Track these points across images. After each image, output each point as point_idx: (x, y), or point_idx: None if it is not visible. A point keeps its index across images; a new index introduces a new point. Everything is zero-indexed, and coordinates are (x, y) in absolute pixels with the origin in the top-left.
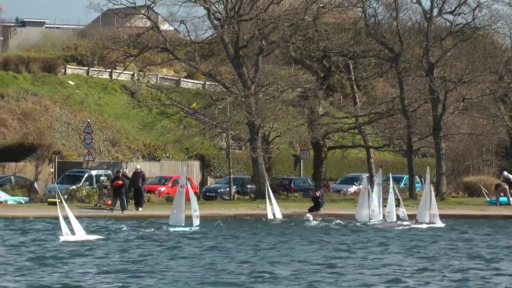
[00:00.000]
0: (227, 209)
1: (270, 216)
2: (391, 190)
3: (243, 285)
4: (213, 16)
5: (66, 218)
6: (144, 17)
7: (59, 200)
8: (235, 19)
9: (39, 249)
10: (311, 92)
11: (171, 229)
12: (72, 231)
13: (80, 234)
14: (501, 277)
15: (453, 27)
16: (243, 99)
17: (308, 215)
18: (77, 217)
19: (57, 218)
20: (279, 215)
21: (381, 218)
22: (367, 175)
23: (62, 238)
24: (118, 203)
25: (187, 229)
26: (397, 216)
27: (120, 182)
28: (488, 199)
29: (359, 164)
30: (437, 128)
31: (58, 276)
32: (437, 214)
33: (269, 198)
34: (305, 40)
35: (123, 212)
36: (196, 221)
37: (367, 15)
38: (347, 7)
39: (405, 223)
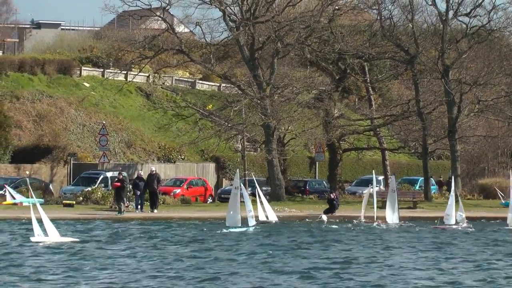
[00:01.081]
0: (243, 211)
1: (262, 218)
2: (452, 193)
3: None
4: (228, 18)
5: (40, 220)
6: (160, 19)
7: (33, 201)
8: (251, 21)
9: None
10: (327, 94)
11: (228, 230)
12: (45, 232)
13: (54, 236)
14: None
15: (468, 29)
16: (259, 101)
17: (324, 217)
18: (92, 219)
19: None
20: (273, 218)
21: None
22: (393, 175)
23: (33, 239)
24: (133, 203)
25: (243, 229)
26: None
27: (119, 183)
28: (503, 201)
29: (375, 166)
30: (453, 130)
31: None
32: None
33: (261, 200)
34: (320, 42)
35: (120, 214)
36: (252, 221)
37: (383, 17)
38: (363, 9)
39: (464, 225)
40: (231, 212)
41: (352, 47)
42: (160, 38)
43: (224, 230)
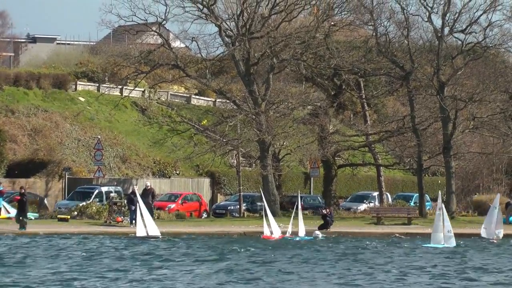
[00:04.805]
0: (237, 227)
1: (267, 233)
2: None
3: None
4: (224, 34)
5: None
6: (156, 34)
7: None
8: (246, 36)
9: None
10: (322, 110)
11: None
12: None
13: None
14: None
15: (464, 46)
16: (254, 117)
17: (317, 232)
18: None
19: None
20: (278, 233)
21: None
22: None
23: None
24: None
25: (440, 245)
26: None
27: (18, 197)
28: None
29: (369, 182)
30: (447, 146)
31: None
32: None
33: (266, 216)
34: (316, 58)
35: (23, 229)
36: (452, 242)
37: (378, 33)
38: (358, 25)
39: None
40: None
41: (348, 63)
42: (155, 53)
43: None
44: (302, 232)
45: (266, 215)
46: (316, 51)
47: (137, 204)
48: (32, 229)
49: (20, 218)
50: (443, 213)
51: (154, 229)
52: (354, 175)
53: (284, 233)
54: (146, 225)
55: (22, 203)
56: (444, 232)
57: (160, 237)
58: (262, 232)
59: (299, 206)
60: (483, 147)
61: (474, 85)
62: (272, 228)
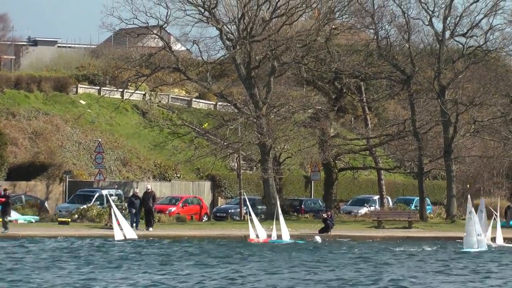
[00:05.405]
0: (238, 230)
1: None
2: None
3: None
4: (225, 37)
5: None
6: (157, 37)
7: None
8: (247, 39)
9: None
10: (323, 114)
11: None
12: None
13: None
14: None
15: (465, 49)
16: (255, 120)
17: (317, 237)
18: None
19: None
20: (263, 236)
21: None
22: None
23: None
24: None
25: (476, 250)
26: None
27: (3, 199)
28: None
29: (370, 186)
30: (448, 150)
31: None
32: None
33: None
34: (317, 61)
35: (6, 230)
36: (483, 245)
37: (379, 37)
38: (360, 29)
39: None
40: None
41: (349, 67)
42: (156, 56)
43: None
44: (286, 236)
45: (251, 218)
46: (317, 54)
47: (138, 207)
48: (32, 231)
49: (3, 219)
50: (473, 217)
51: (130, 232)
52: (355, 179)
53: (269, 236)
54: (122, 228)
55: (6, 204)
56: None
57: (137, 239)
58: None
59: (279, 211)
60: (484, 150)
61: (475, 89)
62: (258, 232)
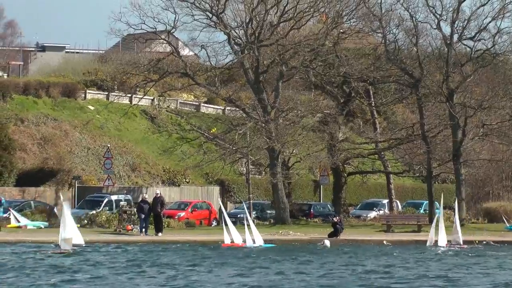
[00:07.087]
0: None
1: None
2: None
3: None
4: (233, 42)
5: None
6: (165, 42)
7: None
8: (256, 44)
9: None
10: (331, 118)
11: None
12: None
13: None
14: None
15: (473, 53)
16: (263, 125)
17: (326, 241)
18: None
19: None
20: (260, 242)
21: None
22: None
23: None
24: (137, 227)
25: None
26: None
27: None
28: (508, 225)
29: (379, 190)
30: (457, 154)
31: None
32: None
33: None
34: (325, 65)
35: None
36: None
37: (387, 41)
38: (368, 33)
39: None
40: None
41: (357, 71)
42: (165, 61)
43: None
44: (260, 241)
45: (226, 223)
46: (325, 58)
47: (147, 212)
48: (41, 237)
49: None
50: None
51: (78, 237)
52: (364, 183)
53: (244, 241)
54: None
55: None
56: None
57: (84, 245)
58: (232, 241)
59: (249, 217)
60: (492, 154)
61: (483, 92)
62: (233, 236)
